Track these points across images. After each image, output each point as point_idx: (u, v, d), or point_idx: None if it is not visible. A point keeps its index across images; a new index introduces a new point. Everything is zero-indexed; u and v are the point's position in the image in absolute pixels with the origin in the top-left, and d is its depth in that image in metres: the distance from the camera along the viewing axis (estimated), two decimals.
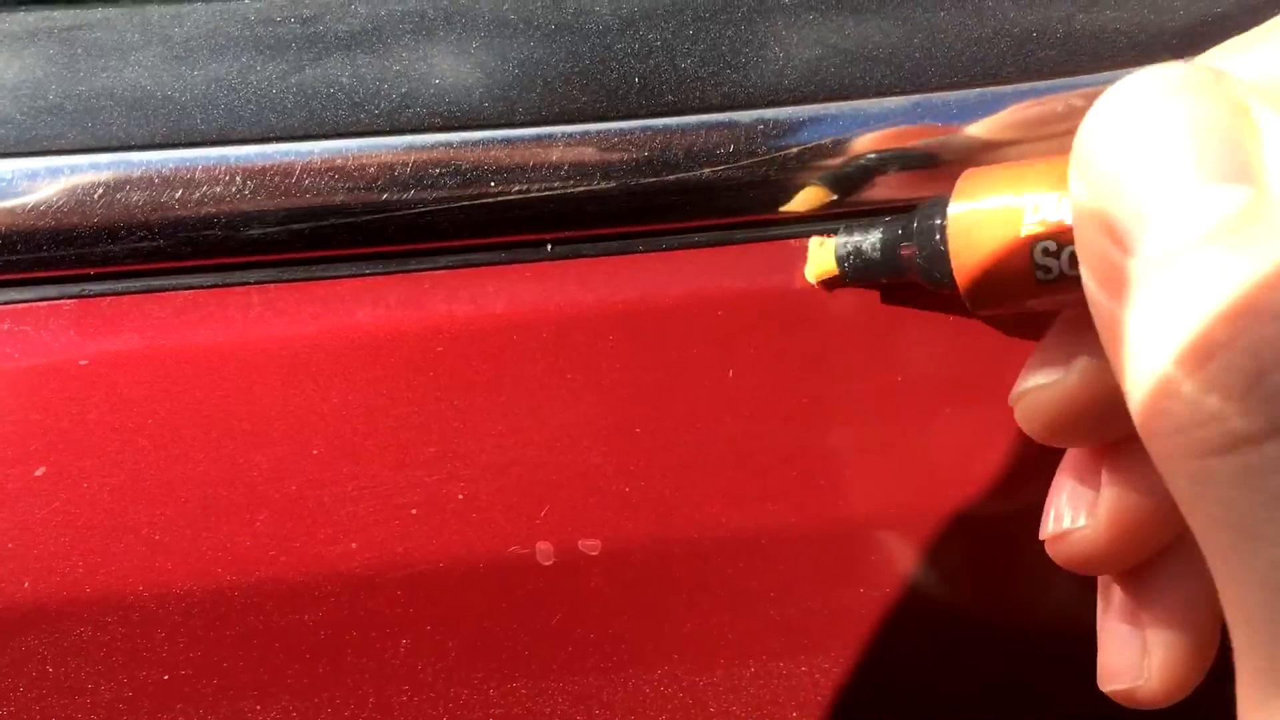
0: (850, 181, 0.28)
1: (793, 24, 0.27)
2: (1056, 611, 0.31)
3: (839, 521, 0.29)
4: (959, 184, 0.23)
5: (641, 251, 0.28)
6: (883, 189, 0.28)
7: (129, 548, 0.27)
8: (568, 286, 0.28)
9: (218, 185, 0.26)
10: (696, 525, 0.29)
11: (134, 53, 0.26)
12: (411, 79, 0.26)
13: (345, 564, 0.28)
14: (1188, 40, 0.27)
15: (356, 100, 0.26)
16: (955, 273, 0.23)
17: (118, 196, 0.26)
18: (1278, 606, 0.14)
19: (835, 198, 0.28)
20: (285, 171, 0.26)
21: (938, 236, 0.23)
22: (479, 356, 0.27)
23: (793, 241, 0.28)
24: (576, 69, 0.26)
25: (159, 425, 0.27)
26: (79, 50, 0.26)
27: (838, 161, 0.27)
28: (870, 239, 0.26)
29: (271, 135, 0.26)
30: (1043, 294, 0.22)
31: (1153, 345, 0.15)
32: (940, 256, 0.23)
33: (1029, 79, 0.27)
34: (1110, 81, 0.27)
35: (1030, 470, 0.29)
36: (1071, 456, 0.24)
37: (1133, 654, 0.24)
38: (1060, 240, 0.21)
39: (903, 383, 0.29)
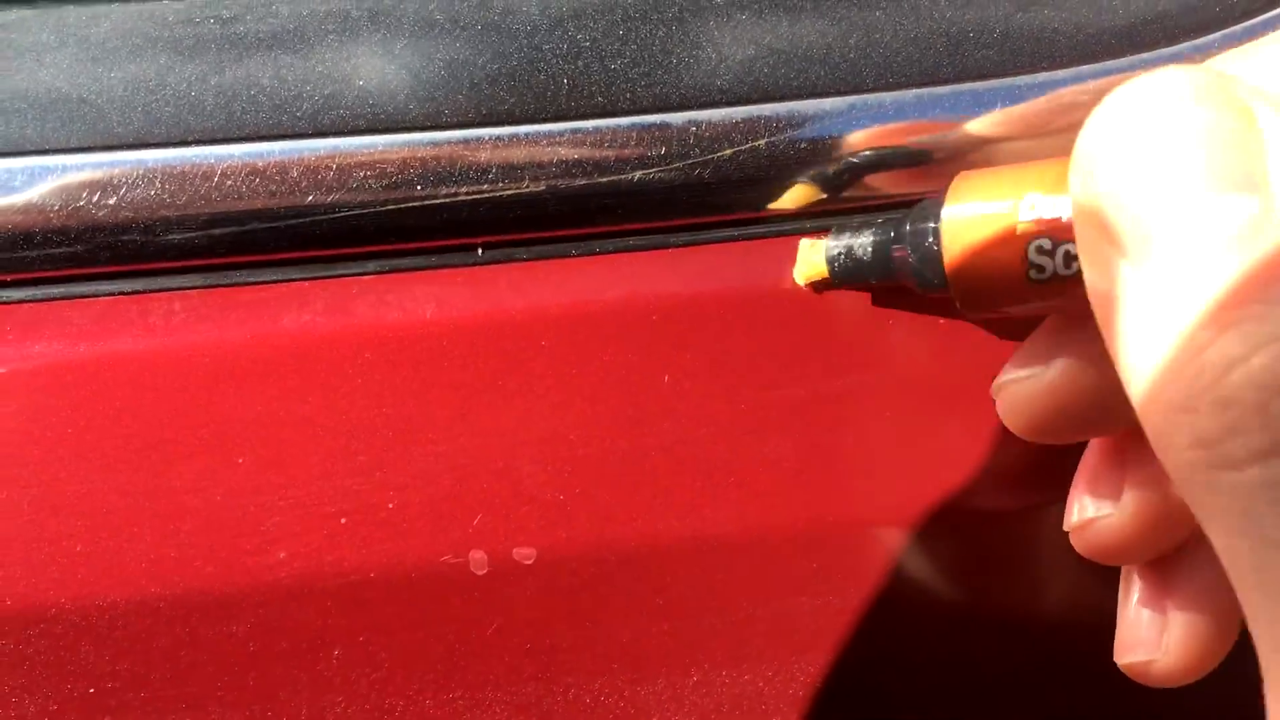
0: (787, 184, 0.27)
1: (725, 24, 0.26)
2: (1004, 615, 0.31)
3: (780, 529, 0.29)
4: (953, 185, 0.23)
5: (574, 255, 0.27)
6: (821, 191, 0.27)
7: (50, 559, 0.27)
8: (498, 291, 0.27)
9: (137, 189, 0.25)
10: (634, 533, 0.28)
11: (49, 54, 0.25)
12: (335, 80, 0.26)
13: (273, 574, 0.27)
14: (1127, 40, 0.27)
15: (279, 102, 0.25)
16: (948, 273, 0.23)
17: (33, 201, 0.25)
18: None
19: (774, 200, 0.28)
20: (206, 175, 0.25)
21: (930, 238, 0.23)
22: (408, 363, 0.27)
23: (729, 245, 0.28)
24: (504, 70, 0.26)
25: (79, 435, 0.26)
26: None
27: (772, 164, 0.26)
28: (861, 240, 0.26)
29: (191, 138, 0.25)
30: (1034, 295, 0.21)
31: (1163, 359, 0.15)
32: (933, 257, 0.23)
33: (966, 80, 0.26)
34: (1049, 83, 0.27)
35: (978, 477, 0.29)
36: (1095, 446, 0.24)
37: (1153, 630, 0.24)
38: (1055, 238, 0.21)
39: (844, 389, 0.28)
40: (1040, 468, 0.28)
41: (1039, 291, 0.21)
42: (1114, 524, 0.23)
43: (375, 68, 0.26)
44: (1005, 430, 0.28)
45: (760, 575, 0.29)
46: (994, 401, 0.24)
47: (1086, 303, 0.18)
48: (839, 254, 0.26)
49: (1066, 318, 0.23)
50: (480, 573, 0.28)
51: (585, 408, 0.28)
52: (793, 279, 0.27)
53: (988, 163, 0.27)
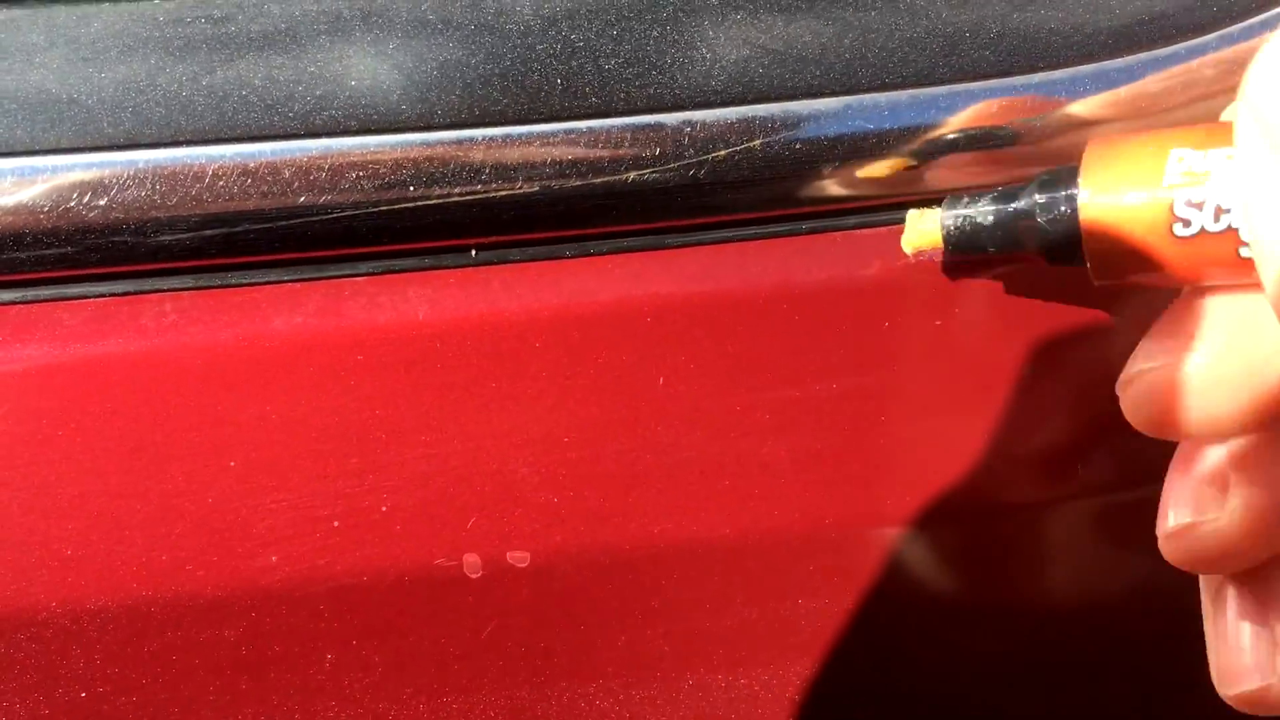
0: (783, 184, 0.27)
1: (720, 24, 0.26)
2: (1002, 618, 0.31)
3: (775, 532, 0.29)
4: (1087, 152, 0.23)
5: (569, 256, 0.27)
6: (818, 191, 0.27)
7: (39, 563, 0.26)
8: (492, 292, 0.27)
9: (127, 190, 0.25)
10: (628, 536, 0.28)
11: (39, 54, 0.25)
12: (327, 80, 0.25)
13: (266, 578, 0.27)
14: (1124, 40, 0.26)
15: (270, 102, 0.25)
16: (1085, 234, 0.22)
17: (23, 201, 0.25)
18: None
19: (770, 201, 0.28)
20: (197, 176, 0.25)
21: (1064, 204, 0.23)
22: (401, 365, 0.27)
23: (724, 246, 0.28)
24: (497, 70, 0.26)
25: (69, 437, 0.26)
26: None
27: (767, 165, 0.26)
28: (981, 208, 0.25)
29: (182, 138, 0.25)
30: (1177, 255, 0.21)
31: None
32: (1067, 221, 0.23)
33: (962, 80, 0.26)
34: (1047, 83, 0.27)
35: (975, 478, 0.29)
36: (1189, 447, 0.23)
37: (1261, 651, 0.22)
38: (1203, 192, 0.20)
39: (838, 390, 0.28)
40: (1037, 467, 0.28)
41: (1183, 250, 0.21)
42: (1220, 528, 0.21)
43: (368, 68, 0.25)
44: (999, 431, 0.28)
45: (755, 578, 0.29)
46: (1119, 398, 0.22)
47: (1233, 262, 0.18)
48: (957, 222, 0.25)
49: (1200, 295, 0.21)
50: (474, 576, 0.28)
51: (579, 410, 0.27)
52: (902, 248, 0.27)
53: (981, 163, 0.27)
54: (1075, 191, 0.22)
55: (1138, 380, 0.22)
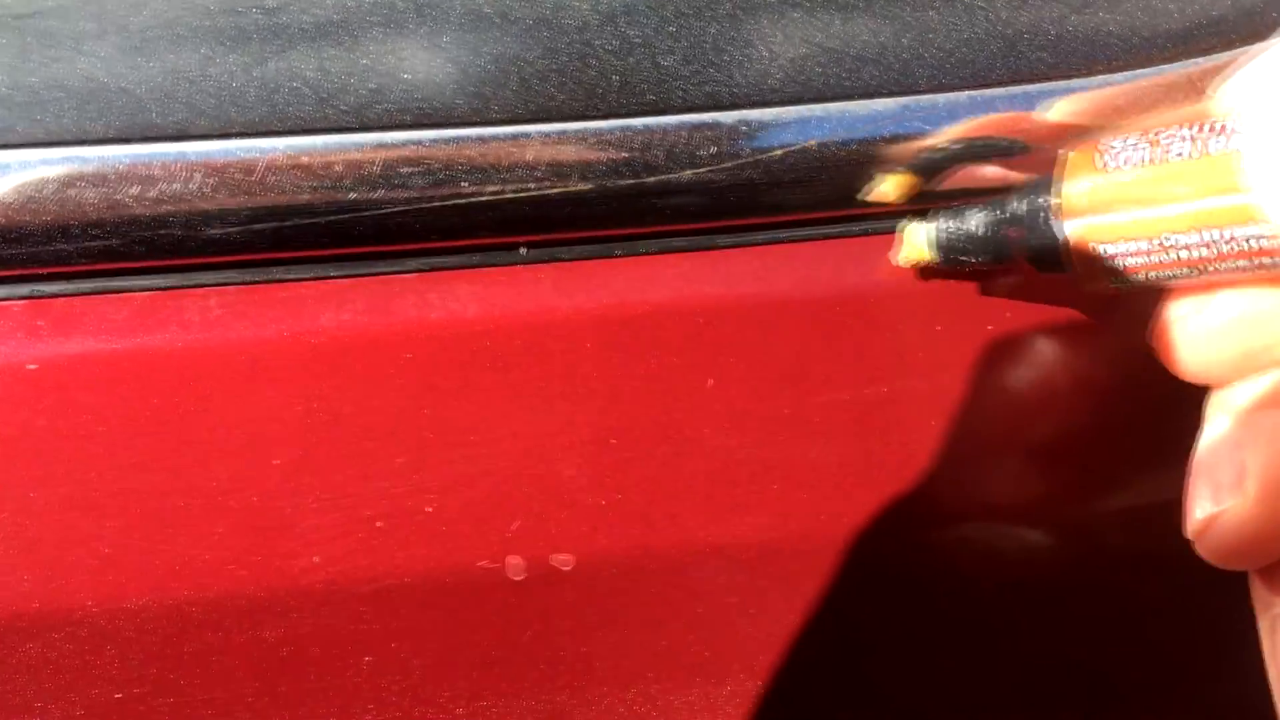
0: (838, 185, 0.27)
1: (778, 21, 0.26)
2: (1025, 623, 0.31)
3: (818, 536, 0.28)
4: (1066, 162, 0.23)
5: (619, 256, 0.27)
6: (873, 193, 0.27)
7: (79, 561, 0.26)
8: (542, 291, 0.27)
9: (175, 182, 0.25)
10: (672, 540, 0.28)
11: (88, 42, 0.24)
12: (381, 73, 0.25)
13: (307, 578, 0.27)
14: (1182, 43, 0.26)
15: (323, 95, 0.25)
16: (1074, 247, 0.23)
17: (70, 193, 0.24)
18: None
19: (824, 202, 0.27)
20: (247, 168, 0.25)
21: (1045, 214, 0.23)
22: (449, 364, 0.26)
23: (776, 247, 0.27)
24: (553, 66, 0.25)
25: (112, 433, 0.25)
26: (30, 39, 0.24)
27: (822, 165, 0.26)
28: (969, 222, 0.25)
29: (233, 130, 0.25)
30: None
31: None
32: (1050, 234, 0.23)
33: (1020, 82, 0.26)
34: (1105, 84, 0.26)
35: (1001, 485, 0.28)
36: (1204, 446, 0.22)
37: None
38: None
39: (885, 395, 0.28)
40: (1103, 469, 0.28)
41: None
42: (1238, 513, 0.21)
43: (422, 61, 0.25)
44: (1054, 434, 0.28)
45: (798, 582, 0.29)
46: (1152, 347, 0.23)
47: None
48: (944, 235, 0.26)
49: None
50: (517, 578, 0.27)
51: (627, 411, 0.27)
52: (892, 261, 0.27)
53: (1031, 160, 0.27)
54: (1059, 203, 0.23)
55: (1172, 328, 0.23)
